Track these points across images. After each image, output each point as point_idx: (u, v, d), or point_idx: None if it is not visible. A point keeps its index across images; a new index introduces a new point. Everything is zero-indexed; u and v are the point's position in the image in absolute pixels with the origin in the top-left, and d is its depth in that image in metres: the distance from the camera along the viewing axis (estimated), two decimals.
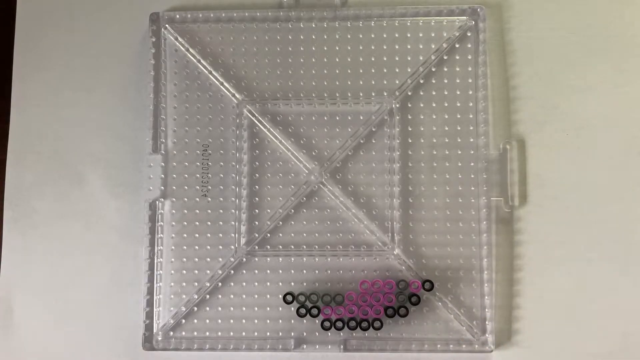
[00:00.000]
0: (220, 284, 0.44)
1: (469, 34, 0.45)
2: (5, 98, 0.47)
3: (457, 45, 0.45)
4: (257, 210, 0.45)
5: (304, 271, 0.44)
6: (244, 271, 0.44)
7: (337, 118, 0.45)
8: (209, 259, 0.44)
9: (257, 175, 0.45)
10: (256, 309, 0.44)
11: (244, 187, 0.44)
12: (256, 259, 0.44)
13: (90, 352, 0.44)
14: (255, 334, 0.44)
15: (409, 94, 0.45)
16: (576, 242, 0.44)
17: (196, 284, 0.44)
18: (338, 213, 0.44)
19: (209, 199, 0.45)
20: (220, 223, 0.44)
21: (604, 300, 0.43)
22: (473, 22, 0.45)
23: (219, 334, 0.44)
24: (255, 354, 0.44)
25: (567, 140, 0.45)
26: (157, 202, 0.45)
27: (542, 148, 0.45)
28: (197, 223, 0.45)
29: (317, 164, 0.45)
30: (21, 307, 0.45)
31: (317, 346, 0.43)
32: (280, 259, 0.44)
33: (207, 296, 0.44)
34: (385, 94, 0.45)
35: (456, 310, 0.43)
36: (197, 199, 0.45)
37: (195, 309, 0.44)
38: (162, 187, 0.45)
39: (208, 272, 0.44)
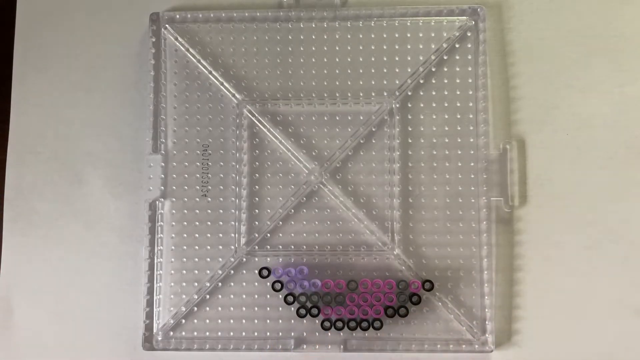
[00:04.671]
0: (220, 284, 0.44)
1: (469, 34, 0.45)
2: (5, 98, 0.47)
3: (457, 45, 0.45)
4: (257, 210, 0.45)
5: (304, 271, 0.44)
6: (244, 271, 0.44)
7: (337, 118, 0.45)
8: (209, 259, 0.44)
9: (257, 175, 0.45)
10: (256, 309, 0.44)
11: (244, 187, 0.44)
12: (256, 259, 0.44)
13: (90, 352, 0.44)
14: (255, 334, 0.44)
15: (409, 94, 0.45)
16: (576, 242, 0.44)
17: (196, 284, 0.44)
18: (338, 213, 0.44)
19: (209, 199, 0.45)
20: (220, 223, 0.44)
21: (604, 301, 0.43)
22: (473, 22, 0.45)
23: (219, 334, 0.44)
24: (255, 354, 0.44)
25: (567, 140, 0.45)
26: (157, 202, 0.45)
27: (542, 148, 0.45)
28: (197, 223, 0.45)
29: (317, 164, 0.45)
30: (21, 307, 0.45)
31: (317, 346, 0.43)
32: (280, 259, 0.44)
33: (207, 296, 0.44)
34: (385, 94, 0.45)
35: (456, 310, 0.43)
36: (197, 199, 0.45)
37: (195, 309, 0.44)
38: (162, 187, 0.45)
39: (208, 272, 0.44)
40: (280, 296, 0.44)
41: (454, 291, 0.43)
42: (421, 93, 0.45)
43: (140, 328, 0.44)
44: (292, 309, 0.43)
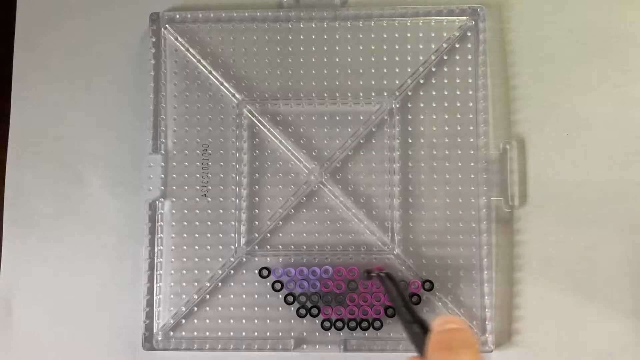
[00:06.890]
0: (220, 284, 0.44)
1: (469, 34, 0.45)
2: (5, 98, 0.47)
3: (457, 45, 0.45)
4: (257, 210, 0.45)
5: (304, 271, 0.44)
6: (244, 271, 0.44)
7: (337, 118, 0.45)
8: (209, 259, 0.44)
9: (257, 175, 0.45)
10: (256, 309, 0.44)
11: (244, 187, 0.44)
12: (256, 259, 0.44)
13: (90, 352, 0.44)
14: (255, 334, 0.44)
15: (409, 94, 0.45)
16: (576, 242, 0.44)
17: (196, 284, 0.44)
18: (338, 213, 0.44)
19: (209, 199, 0.45)
20: (220, 223, 0.44)
21: (604, 300, 0.43)
22: (473, 22, 0.45)
23: (219, 334, 0.44)
24: (255, 354, 0.44)
25: (567, 140, 0.45)
26: (157, 202, 0.45)
27: (542, 148, 0.45)
28: (197, 223, 0.45)
29: (317, 164, 0.45)
30: (21, 307, 0.45)
31: (317, 346, 0.43)
32: (280, 259, 0.44)
33: (207, 296, 0.44)
34: (385, 94, 0.45)
35: (456, 310, 0.43)
36: (197, 199, 0.45)
37: (195, 309, 0.44)
38: (162, 187, 0.45)
39: (208, 272, 0.44)
40: (280, 296, 0.44)
41: (454, 291, 0.43)
42: (421, 93, 0.45)
43: (140, 328, 0.44)
44: (292, 309, 0.43)
